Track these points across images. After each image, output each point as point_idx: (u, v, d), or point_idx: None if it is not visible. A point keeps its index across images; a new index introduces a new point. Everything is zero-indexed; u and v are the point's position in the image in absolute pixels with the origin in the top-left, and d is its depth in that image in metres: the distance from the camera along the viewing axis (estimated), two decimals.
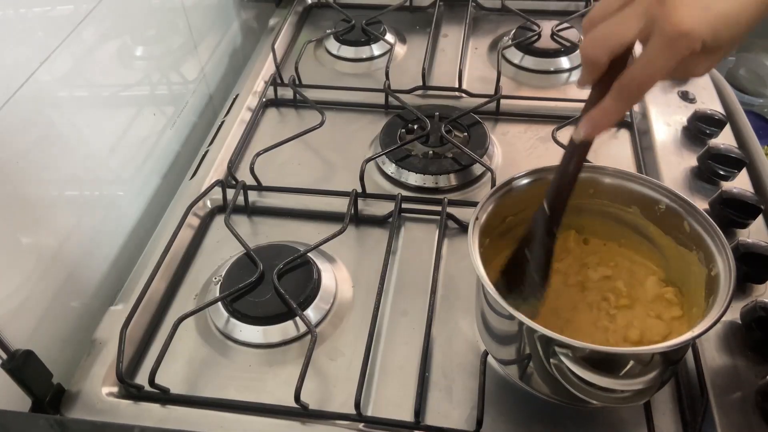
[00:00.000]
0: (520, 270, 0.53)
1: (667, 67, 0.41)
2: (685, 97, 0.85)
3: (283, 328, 0.62)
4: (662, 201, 0.55)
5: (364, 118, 0.88)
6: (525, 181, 0.57)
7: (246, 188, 0.75)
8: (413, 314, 0.64)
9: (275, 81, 0.92)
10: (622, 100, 0.44)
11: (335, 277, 0.67)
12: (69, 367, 0.61)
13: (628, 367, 0.46)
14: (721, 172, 0.72)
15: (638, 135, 0.81)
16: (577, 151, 0.48)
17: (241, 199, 0.74)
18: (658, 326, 0.53)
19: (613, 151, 0.80)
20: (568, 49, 0.94)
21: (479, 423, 0.53)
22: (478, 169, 0.77)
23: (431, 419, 0.56)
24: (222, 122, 0.87)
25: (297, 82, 0.92)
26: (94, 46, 0.70)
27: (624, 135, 0.83)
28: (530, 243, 0.53)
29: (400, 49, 1.00)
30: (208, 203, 0.76)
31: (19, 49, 0.58)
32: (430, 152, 0.79)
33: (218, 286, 0.65)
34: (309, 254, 0.67)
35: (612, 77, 0.44)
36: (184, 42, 0.90)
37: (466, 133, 0.81)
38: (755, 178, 0.74)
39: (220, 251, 0.72)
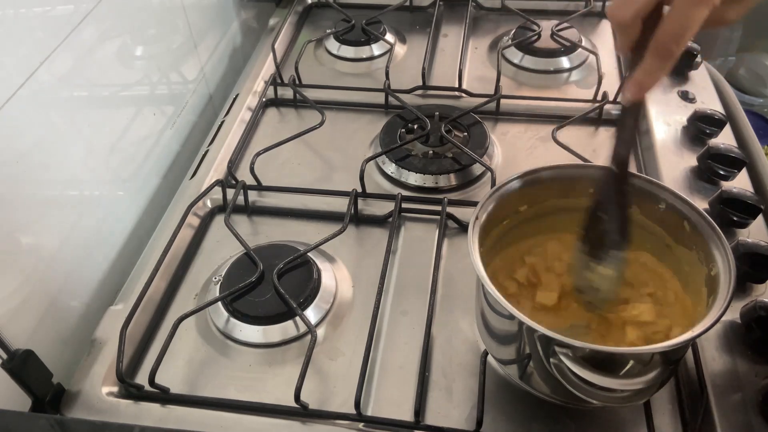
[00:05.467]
0: (599, 233, 0.53)
1: (700, 17, 0.41)
2: (685, 96, 0.85)
3: (283, 328, 0.62)
4: (662, 201, 0.55)
5: (364, 118, 0.88)
6: (525, 180, 0.57)
7: (246, 188, 0.75)
8: (413, 314, 0.64)
9: (275, 81, 0.92)
10: (661, 57, 0.44)
11: (335, 277, 0.67)
12: (69, 367, 0.61)
13: (628, 366, 0.46)
14: (721, 172, 0.72)
15: (638, 135, 0.81)
16: (629, 114, 0.49)
17: (241, 199, 0.74)
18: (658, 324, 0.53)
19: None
20: (568, 49, 0.93)
21: (479, 423, 0.53)
22: (478, 168, 0.77)
23: (431, 419, 0.56)
24: (222, 122, 0.87)
25: (297, 82, 0.92)
26: (94, 46, 0.70)
27: None
28: (603, 205, 0.53)
29: (400, 49, 1.00)
30: (208, 203, 0.76)
31: (19, 49, 0.58)
32: (430, 152, 0.79)
33: (218, 285, 0.65)
34: (309, 254, 0.67)
35: (649, 38, 0.44)
36: (184, 42, 0.90)
37: (466, 133, 0.81)
38: (755, 178, 0.74)
39: (220, 251, 0.72)
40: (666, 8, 0.43)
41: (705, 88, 0.86)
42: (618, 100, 0.48)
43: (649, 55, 0.44)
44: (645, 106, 0.49)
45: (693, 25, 0.41)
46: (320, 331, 0.63)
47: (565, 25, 0.96)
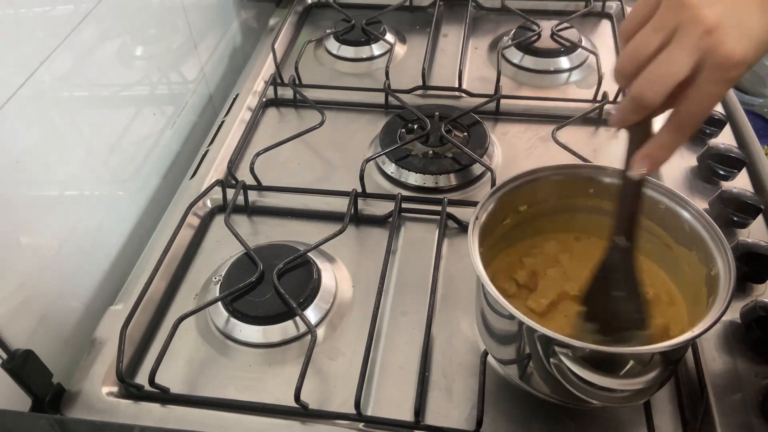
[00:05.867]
0: (609, 307, 0.50)
1: (721, 96, 0.42)
2: None
3: (283, 328, 0.62)
4: (662, 201, 0.55)
5: (364, 118, 0.88)
6: (525, 180, 0.57)
7: (246, 188, 0.75)
8: (413, 314, 0.64)
9: (275, 81, 0.92)
10: (680, 134, 0.44)
11: (335, 277, 0.67)
12: (69, 367, 0.61)
13: (628, 366, 0.46)
14: (721, 172, 0.72)
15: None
16: (633, 186, 0.47)
17: (241, 199, 0.74)
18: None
19: (613, 151, 0.80)
20: (568, 49, 0.93)
21: (479, 423, 0.53)
22: (478, 168, 0.77)
23: (431, 419, 0.56)
24: (222, 122, 0.87)
25: (297, 82, 0.92)
26: (94, 46, 0.70)
27: (624, 135, 0.82)
28: (614, 284, 0.50)
29: (400, 49, 1.00)
30: (208, 203, 0.76)
31: (19, 49, 0.58)
32: (430, 152, 0.79)
33: (218, 285, 0.65)
34: (309, 254, 0.67)
35: (655, 113, 0.43)
36: (184, 42, 0.90)
37: (466, 133, 0.81)
38: (755, 178, 0.74)
39: (220, 251, 0.72)
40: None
41: None
42: (627, 173, 0.47)
43: (667, 131, 0.44)
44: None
45: (714, 102, 0.42)
46: (320, 331, 0.63)
47: (565, 25, 0.96)
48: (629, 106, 0.44)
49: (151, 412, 0.57)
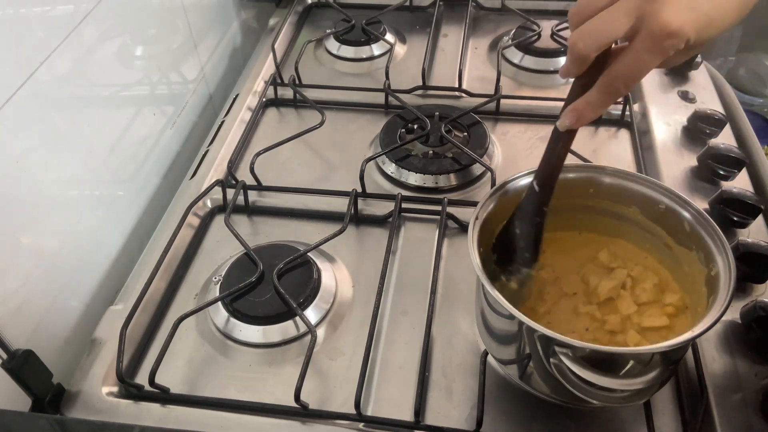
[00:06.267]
0: (511, 246, 0.55)
1: (653, 64, 0.42)
2: (685, 96, 0.85)
3: (283, 328, 0.62)
4: (662, 201, 0.55)
5: (364, 118, 0.88)
6: (525, 180, 0.57)
7: (246, 188, 0.75)
8: (413, 314, 0.64)
9: (275, 81, 0.92)
10: (608, 94, 0.45)
11: (335, 277, 0.67)
12: (69, 367, 0.61)
13: (628, 366, 0.46)
14: (721, 172, 0.72)
15: (638, 135, 0.81)
16: (562, 138, 0.50)
17: (241, 199, 0.74)
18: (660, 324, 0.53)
19: (613, 151, 0.80)
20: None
21: (479, 423, 0.53)
22: (478, 168, 0.77)
23: (431, 419, 0.56)
24: (222, 122, 0.87)
25: (297, 82, 0.92)
26: (94, 46, 0.70)
27: (624, 135, 0.83)
28: (520, 221, 0.54)
29: (400, 49, 1.00)
30: (208, 203, 0.76)
31: (19, 49, 0.58)
32: (430, 152, 0.79)
33: (218, 285, 0.65)
34: (309, 254, 0.67)
35: (595, 69, 0.45)
36: (184, 42, 0.90)
37: (466, 133, 0.81)
38: (755, 178, 0.74)
39: (220, 251, 0.72)
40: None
41: (705, 88, 0.86)
42: (555, 123, 0.49)
43: (597, 90, 0.46)
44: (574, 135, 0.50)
45: (645, 69, 0.43)
46: (320, 331, 0.63)
47: (565, 25, 0.96)
48: (569, 56, 0.47)
49: (151, 412, 0.57)
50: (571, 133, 0.49)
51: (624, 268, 0.58)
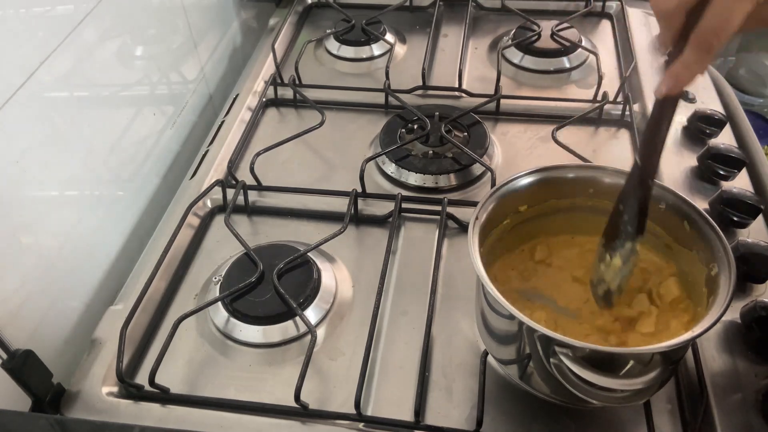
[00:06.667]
0: (616, 225, 0.53)
1: (743, 11, 0.40)
2: (685, 96, 0.85)
3: (283, 328, 0.62)
4: (662, 201, 0.55)
5: (364, 118, 0.88)
6: (525, 180, 0.57)
7: (246, 188, 0.75)
8: (413, 314, 0.64)
9: (275, 81, 0.92)
10: (701, 50, 0.43)
11: (335, 277, 0.67)
12: (69, 367, 0.61)
13: (628, 366, 0.46)
14: (721, 172, 0.72)
15: (638, 135, 0.81)
16: (664, 106, 0.48)
17: (241, 199, 0.74)
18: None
19: (613, 151, 0.80)
20: (568, 49, 0.93)
21: (479, 423, 0.53)
22: (478, 168, 0.77)
23: (431, 419, 0.56)
24: (222, 122, 0.87)
25: (297, 82, 0.92)
26: (94, 46, 0.70)
27: (624, 135, 0.83)
28: (624, 198, 0.53)
29: (400, 49, 1.00)
30: (208, 203, 0.76)
31: (19, 49, 0.58)
32: (430, 152, 0.79)
33: (218, 285, 0.65)
34: (309, 254, 0.67)
35: (691, 31, 0.43)
36: (184, 42, 0.90)
37: (466, 133, 0.81)
38: (755, 178, 0.74)
39: (220, 251, 0.72)
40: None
41: (705, 88, 0.86)
42: (654, 93, 0.47)
43: (689, 48, 0.43)
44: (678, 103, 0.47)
45: (735, 18, 0.41)
46: (320, 331, 0.63)
47: (565, 25, 0.96)
48: (657, 20, 0.45)
49: (151, 412, 0.57)
50: (671, 102, 0.47)
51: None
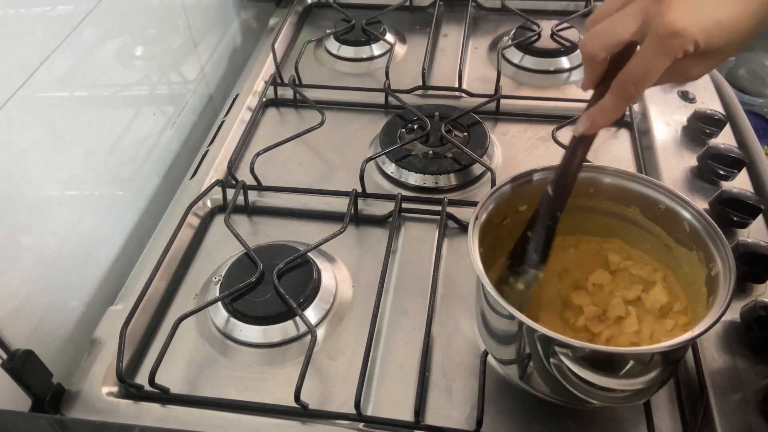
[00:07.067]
0: (524, 249, 0.55)
1: (661, 66, 0.43)
2: (685, 96, 0.85)
3: (283, 328, 0.62)
4: (662, 201, 0.55)
5: (364, 118, 0.88)
6: (525, 180, 0.57)
7: (246, 188, 0.75)
8: (413, 314, 0.64)
9: (275, 81, 0.92)
10: (619, 98, 0.46)
11: (335, 277, 0.67)
12: (69, 367, 0.61)
13: (628, 366, 0.46)
14: (721, 172, 0.72)
15: (638, 135, 0.81)
16: (580, 144, 0.50)
17: (241, 199, 0.74)
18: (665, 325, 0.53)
19: (613, 151, 0.80)
20: (568, 49, 0.93)
21: (479, 423, 0.53)
22: (478, 168, 0.77)
23: (431, 419, 0.56)
24: (222, 122, 0.87)
25: (297, 82, 0.92)
26: (94, 46, 0.70)
27: (624, 135, 0.83)
28: (532, 225, 0.54)
29: (400, 49, 1.00)
30: (208, 203, 0.76)
31: (19, 49, 0.58)
32: (430, 152, 0.79)
33: (218, 285, 0.65)
34: (309, 254, 0.67)
35: (611, 79, 0.45)
36: (184, 42, 0.90)
37: (466, 133, 0.81)
38: (755, 178, 0.74)
39: (220, 251, 0.72)
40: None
41: (705, 88, 0.86)
42: (571, 131, 0.49)
43: (609, 94, 0.46)
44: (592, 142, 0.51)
45: (654, 71, 0.43)
46: (320, 331, 0.63)
47: (565, 25, 0.96)
48: (583, 61, 0.47)
49: (151, 412, 0.57)
50: (587, 140, 0.50)
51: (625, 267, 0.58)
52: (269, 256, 0.66)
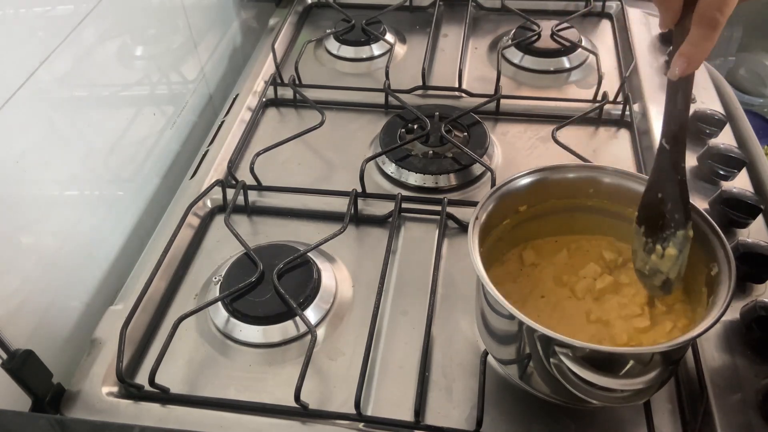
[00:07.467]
0: (658, 213, 0.53)
1: None
2: None
3: (283, 328, 0.62)
4: None
5: (364, 118, 0.88)
6: (525, 180, 0.57)
7: (246, 188, 0.75)
8: (413, 314, 0.64)
9: (275, 81, 0.92)
10: (706, 26, 0.43)
11: (335, 277, 0.67)
12: (69, 367, 0.61)
13: (628, 366, 0.46)
14: (721, 172, 0.72)
15: (638, 135, 0.81)
16: (678, 89, 0.48)
17: (241, 199, 0.74)
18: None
19: (613, 151, 0.80)
20: (568, 49, 0.93)
21: (479, 423, 0.53)
22: (478, 168, 0.77)
23: (431, 419, 0.56)
24: (222, 122, 0.87)
25: (297, 82, 0.92)
26: (94, 46, 0.70)
27: (624, 135, 0.83)
28: (660, 185, 0.52)
29: (400, 49, 1.00)
30: (208, 203, 0.76)
31: (19, 49, 0.58)
32: (430, 152, 0.79)
33: (218, 285, 0.65)
34: (309, 254, 0.67)
35: (691, 10, 0.43)
36: (184, 42, 0.90)
37: (466, 133, 0.81)
38: (755, 178, 0.74)
39: (220, 251, 0.72)
40: None
41: (705, 88, 0.86)
42: (666, 75, 0.47)
43: (694, 27, 0.43)
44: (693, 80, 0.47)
45: None
46: (320, 331, 0.63)
47: (565, 25, 0.96)
48: (656, 2, 0.45)
49: (151, 412, 0.57)
50: (687, 81, 0.47)
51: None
52: (269, 256, 0.66)
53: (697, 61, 0.45)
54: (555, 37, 0.94)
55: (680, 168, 0.50)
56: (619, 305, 0.55)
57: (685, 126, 0.49)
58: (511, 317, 0.47)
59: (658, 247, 0.53)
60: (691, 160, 0.75)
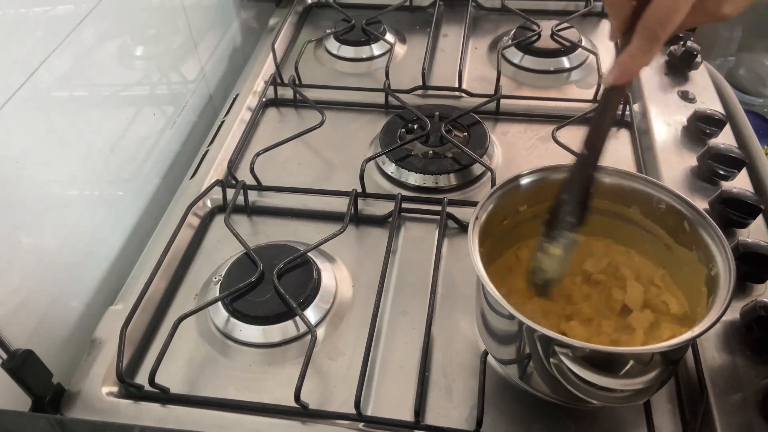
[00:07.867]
0: (558, 213, 0.54)
1: (688, 2, 0.41)
2: (685, 96, 0.85)
3: (283, 328, 0.62)
4: (662, 201, 0.55)
5: (364, 118, 0.88)
6: (525, 180, 0.57)
7: (246, 188, 0.75)
8: (413, 314, 0.64)
9: (275, 81, 0.92)
10: (646, 41, 0.44)
11: (335, 277, 0.67)
12: (69, 367, 0.61)
13: (628, 366, 0.46)
14: (721, 172, 0.72)
15: (638, 135, 0.81)
16: (611, 97, 0.49)
17: (241, 199, 0.74)
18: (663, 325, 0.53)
19: (613, 151, 0.80)
20: (568, 49, 0.93)
21: (479, 423, 0.53)
22: (478, 168, 0.77)
23: (431, 419, 0.56)
24: (222, 122, 0.87)
25: (297, 82, 0.92)
26: (94, 46, 0.70)
27: (624, 135, 0.83)
28: (567, 187, 0.53)
29: (400, 49, 1.00)
30: (208, 203, 0.76)
31: (19, 49, 0.58)
32: (430, 152, 0.79)
33: (218, 285, 0.65)
34: (309, 254, 0.67)
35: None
36: (184, 42, 0.90)
37: (466, 133, 0.81)
38: (755, 178, 0.74)
39: (220, 251, 0.72)
40: None
41: (705, 88, 0.86)
42: (602, 82, 0.48)
43: (636, 38, 0.44)
44: (628, 93, 0.48)
45: (680, 9, 0.41)
46: (320, 331, 0.63)
47: (565, 25, 0.96)
48: (606, 9, 0.46)
49: (151, 412, 0.57)
50: (618, 91, 0.48)
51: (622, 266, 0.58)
52: (269, 256, 0.66)
53: (632, 72, 0.46)
54: (555, 37, 0.94)
55: (589, 174, 0.52)
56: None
57: (605, 137, 0.50)
58: (511, 317, 0.47)
59: (548, 245, 0.54)
60: (691, 160, 0.75)
